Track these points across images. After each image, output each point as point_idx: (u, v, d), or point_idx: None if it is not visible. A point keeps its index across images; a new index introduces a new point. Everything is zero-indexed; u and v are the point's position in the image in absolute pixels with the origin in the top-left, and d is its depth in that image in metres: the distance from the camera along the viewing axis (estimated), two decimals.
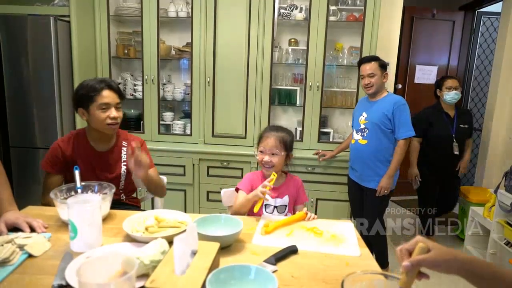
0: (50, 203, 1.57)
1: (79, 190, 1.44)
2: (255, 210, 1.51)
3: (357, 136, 2.48)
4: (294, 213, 1.62)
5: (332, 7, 2.85)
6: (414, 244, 0.81)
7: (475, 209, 2.92)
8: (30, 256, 1.11)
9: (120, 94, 1.68)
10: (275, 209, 1.67)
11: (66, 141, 1.69)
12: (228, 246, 1.23)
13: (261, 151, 1.65)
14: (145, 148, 1.81)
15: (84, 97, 1.61)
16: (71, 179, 1.53)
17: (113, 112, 1.62)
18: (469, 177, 4.43)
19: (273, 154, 1.63)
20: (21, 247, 1.13)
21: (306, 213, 1.50)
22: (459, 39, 4.26)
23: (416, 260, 0.77)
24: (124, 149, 1.75)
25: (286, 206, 1.69)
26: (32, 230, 1.26)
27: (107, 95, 1.61)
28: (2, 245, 1.11)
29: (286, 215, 1.64)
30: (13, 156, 2.78)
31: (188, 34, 2.94)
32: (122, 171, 1.74)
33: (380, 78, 2.38)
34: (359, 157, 2.46)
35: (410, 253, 0.81)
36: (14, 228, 1.26)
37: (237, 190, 1.69)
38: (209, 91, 2.97)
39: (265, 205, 1.65)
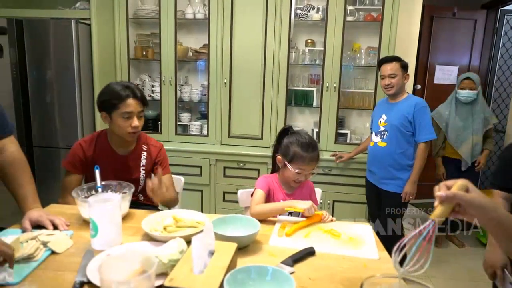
0: (67, 203, 1.61)
1: (99, 189, 1.47)
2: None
3: (376, 139, 2.44)
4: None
5: (350, 7, 2.82)
6: (455, 182, 0.78)
7: None
8: (53, 252, 1.14)
9: (144, 101, 1.67)
10: (290, 214, 1.65)
11: (88, 142, 1.71)
12: (245, 246, 1.23)
13: (299, 172, 1.59)
14: (163, 153, 1.82)
15: (107, 103, 1.62)
16: (91, 178, 1.56)
17: (135, 121, 1.62)
18: (491, 180, 4.30)
19: (311, 173, 1.62)
20: (44, 244, 1.16)
21: (323, 214, 1.49)
22: (481, 38, 4.16)
23: (452, 192, 0.75)
24: (144, 153, 1.76)
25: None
26: (55, 227, 1.29)
27: (131, 103, 1.61)
28: (27, 241, 1.15)
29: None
30: (36, 156, 2.86)
31: (205, 36, 2.97)
32: (141, 175, 1.75)
33: (401, 79, 2.34)
34: (377, 160, 2.43)
35: (448, 189, 0.78)
36: (37, 225, 1.29)
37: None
38: (226, 92, 2.99)
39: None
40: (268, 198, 1.65)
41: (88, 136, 1.77)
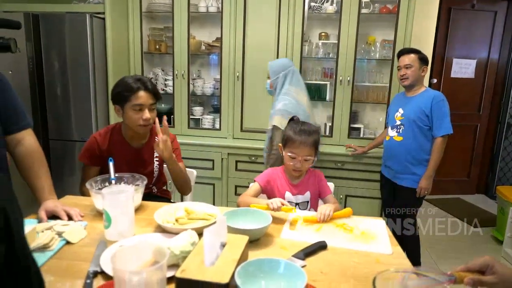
0: (86, 193, 1.63)
1: (113, 181, 1.48)
2: (252, 206, 1.42)
3: (392, 133, 2.40)
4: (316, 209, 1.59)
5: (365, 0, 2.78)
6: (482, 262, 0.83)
7: None
8: (68, 242, 1.16)
9: (156, 94, 1.67)
10: (297, 206, 1.64)
11: (103, 135, 1.73)
12: (257, 239, 1.23)
13: (292, 157, 1.58)
14: (176, 144, 1.83)
15: (119, 95, 1.64)
16: (106, 171, 1.58)
17: (146, 114, 1.62)
18: (509, 176, 4.21)
19: (305, 160, 1.59)
20: (59, 234, 1.18)
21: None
22: (501, 30, 4.03)
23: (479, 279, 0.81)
24: None
25: (308, 202, 1.66)
26: (70, 218, 1.31)
27: (142, 96, 1.61)
28: (43, 231, 1.17)
29: (309, 211, 1.62)
30: (52, 148, 2.92)
31: (218, 29, 2.96)
32: (155, 167, 1.77)
33: (418, 71, 2.30)
34: (393, 154, 2.39)
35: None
36: (53, 216, 1.32)
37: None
38: (238, 85, 2.98)
39: (287, 202, 1.64)
40: (271, 189, 1.66)
41: (102, 129, 1.79)
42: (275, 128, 2.16)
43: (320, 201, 1.70)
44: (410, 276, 0.84)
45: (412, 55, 2.30)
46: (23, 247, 0.55)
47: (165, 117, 1.63)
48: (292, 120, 1.72)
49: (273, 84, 2.33)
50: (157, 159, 1.77)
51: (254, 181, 1.67)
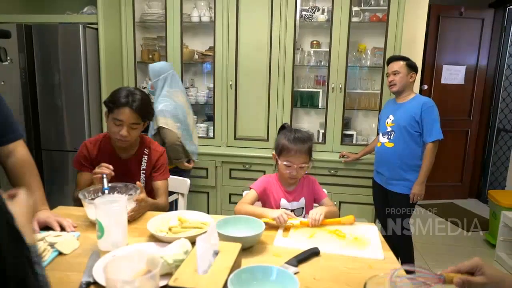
0: (77, 199, 1.61)
1: (106, 191, 1.47)
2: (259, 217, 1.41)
3: (383, 139, 2.43)
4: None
5: (355, 8, 2.82)
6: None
7: (507, 213, 2.80)
8: (60, 253, 1.15)
9: (142, 115, 1.63)
10: (293, 212, 1.64)
11: (93, 143, 1.73)
12: (250, 247, 1.23)
13: (287, 165, 1.58)
14: (164, 159, 1.79)
15: (106, 104, 1.64)
16: (97, 178, 1.56)
17: (123, 130, 1.59)
18: (500, 181, 4.25)
19: (300, 167, 1.59)
20: (51, 245, 1.17)
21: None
22: (489, 37, 4.12)
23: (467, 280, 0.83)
24: (145, 157, 1.75)
25: (303, 208, 1.67)
26: (62, 229, 1.31)
27: (124, 112, 1.58)
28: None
29: (304, 217, 1.62)
30: (44, 158, 2.90)
31: (211, 38, 2.99)
32: (141, 179, 1.75)
33: (405, 77, 2.34)
34: (385, 161, 2.42)
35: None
36: (45, 227, 1.31)
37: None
38: (232, 94, 3.00)
39: (285, 209, 1.64)
40: (266, 197, 1.65)
41: (94, 137, 1.78)
42: (161, 128, 2.35)
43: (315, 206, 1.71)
44: (400, 272, 0.85)
45: (400, 62, 2.35)
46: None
47: (138, 183, 1.51)
48: (284, 128, 1.72)
49: (153, 86, 2.50)
50: (144, 171, 1.76)
51: (250, 188, 1.67)
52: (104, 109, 1.69)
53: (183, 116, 2.46)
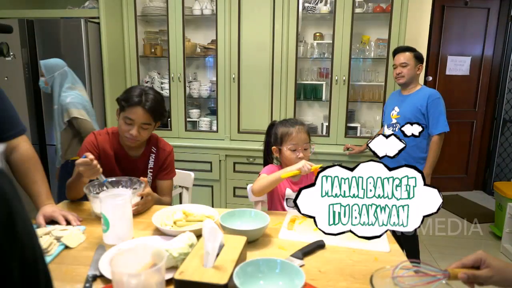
0: (71, 188, 1.55)
1: (106, 182, 1.44)
2: (283, 176, 1.45)
3: (388, 132, 2.41)
4: None
5: None
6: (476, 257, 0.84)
7: None
8: (66, 247, 1.16)
9: (155, 116, 1.59)
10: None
11: (102, 135, 1.69)
12: (255, 240, 1.23)
13: (292, 150, 1.58)
14: (171, 158, 1.78)
15: (119, 102, 1.61)
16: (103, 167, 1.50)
17: (133, 130, 1.56)
18: (506, 172, 4.23)
19: (305, 149, 1.59)
20: (58, 239, 1.18)
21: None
22: (495, 27, 4.06)
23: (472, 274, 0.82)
24: (153, 155, 1.73)
25: None
26: (68, 223, 1.31)
27: (136, 112, 1.55)
28: (41, 236, 1.17)
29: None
30: (48, 153, 2.91)
31: (213, 32, 2.97)
32: (148, 177, 1.73)
33: (413, 69, 2.31)
34: None
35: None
36: (51, 221, 1.32)
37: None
38: (235, 87, 2.99)
39: (286, 199, 1.64)
40: (273, 189, 1.65)
41: (100, 130, 1.76)
42: (76, 119, 2.36)
43: None
44: (404, 265, 0.84)
45: (408, 53, 2.32)
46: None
47: (142, 178, 1.52)
48: (273, 124, 1.72)
49: (48, 82, 2.48)
50: (151, 170, 1.75)
51: (259, 174, 1.65)
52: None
53: (91, 108, 2.52)
